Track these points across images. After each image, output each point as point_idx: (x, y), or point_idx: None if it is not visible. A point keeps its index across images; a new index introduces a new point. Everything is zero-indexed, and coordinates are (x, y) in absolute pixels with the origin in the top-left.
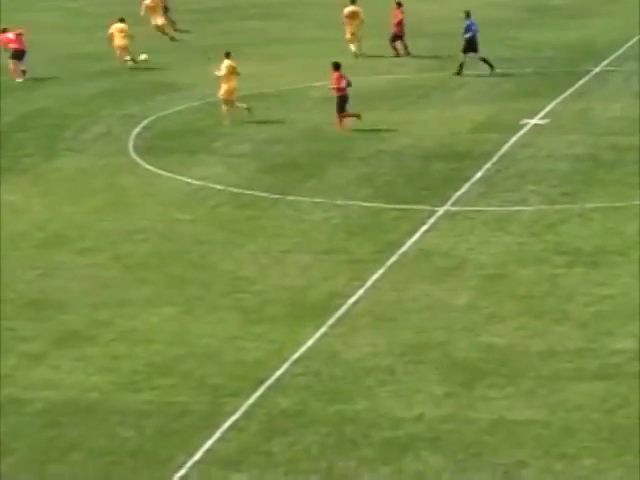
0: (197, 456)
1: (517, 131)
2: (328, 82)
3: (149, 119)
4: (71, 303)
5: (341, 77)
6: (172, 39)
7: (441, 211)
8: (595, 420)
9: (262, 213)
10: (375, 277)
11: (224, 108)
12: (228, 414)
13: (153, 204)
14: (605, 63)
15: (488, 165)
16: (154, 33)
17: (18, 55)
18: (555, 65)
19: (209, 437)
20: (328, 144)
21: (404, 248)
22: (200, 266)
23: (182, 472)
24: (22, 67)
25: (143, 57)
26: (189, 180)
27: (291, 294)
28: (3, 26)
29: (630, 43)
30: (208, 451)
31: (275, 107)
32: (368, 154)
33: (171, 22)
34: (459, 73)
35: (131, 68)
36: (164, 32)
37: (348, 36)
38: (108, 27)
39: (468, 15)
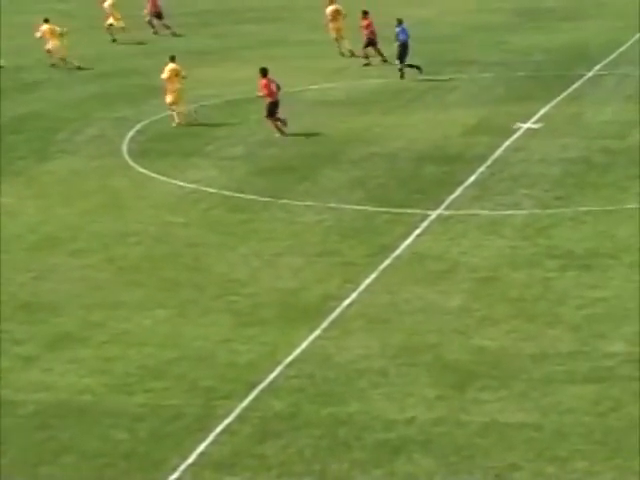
0: (190, 459)
1: (510, 135)
2: (257, 89)
3: (143, 122)
4: (64, 305)
5: (269, 83)
6: (114, 41)
7: (434, 215)
8: (587, 423)
9: (254, 216)
10: (368, 280)
11: (172, 110)
12: (221, 417)
13: (146, 207)
14: (598, 67)
15: (481, 169)
16: (148, 37)
17: None
18: (547, 69)
19: (202, 440)
20: (321, 147)
21: (397, 251)
22: (193, 269)
23: (175, 475)
24: None
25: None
26: (182, 183)
27: (284, 297)
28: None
29: (623, 47)
30: (201, 454)
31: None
32: (361, 157)
33: (166, 27)
34: (402, 76)
35: (122, 71)
36: (112, 33)
37: (334, 35)
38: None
39: (400, 22)
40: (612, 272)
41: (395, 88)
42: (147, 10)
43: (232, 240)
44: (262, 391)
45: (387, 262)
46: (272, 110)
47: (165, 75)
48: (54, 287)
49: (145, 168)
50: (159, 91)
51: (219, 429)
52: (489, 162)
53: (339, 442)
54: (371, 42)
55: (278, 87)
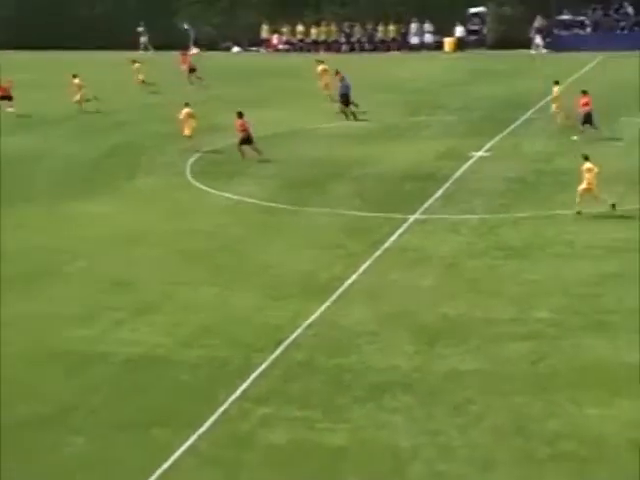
0: (235, 395)
1: (468, 160)
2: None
3: (200, 152)
4: (144, 283)
5: (244, 122)
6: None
7: (412, 218)
8: (523, 370)
9: (283, 219)
10: (365, 266)
11: (189, 143)
12: (257, 365)
13: (203, 212)
14: (531, 112)
15: (447, 185)
16: (194, 90)
17: (7, 98)
18: (495, 112)
19: (243, 381)
20: (330, 168)
21: (386, 245)
22: (236, 257)
23: (224, 407)
24: (9, 107)
25: None
26: (229, 195)
27: (303, 277)
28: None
29: (549, 97)
30: (243, 391)
31: (292, 142)
32: (359, 176)
33: (197, 79)
34: (347, 118)
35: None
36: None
37: (323, 86)
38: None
39: (342, 79)
40: (541, 261)
41: (384, 126)
42: (185, 67)
43: (266, 236)
44: (287, 346)
45: (378, 253)
46: (245, 141)
47: (182, 116)
48: (137, 269)
49: (202, 184)
50: (212, 129)
51: (256, 374)
52: (452, 180)
53: (343, 384)
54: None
55: (249, 126)
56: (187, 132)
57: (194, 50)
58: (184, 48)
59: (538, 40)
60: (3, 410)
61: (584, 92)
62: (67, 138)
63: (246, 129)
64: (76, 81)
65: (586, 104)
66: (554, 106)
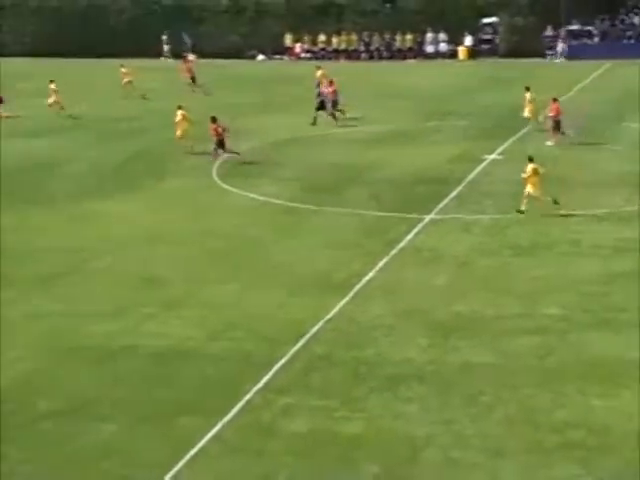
0: (258, 386)
1: (480, 163)
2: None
3: (225, 155)
4: (170, 280)
5: (218, 127)
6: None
7: (427, 218)
8: (531, 363)
9: (303, 219)
10: (381, 264)
11: (182, 144)
12: (279, 357)
13: (228, 212)
14: (541, 117)
15: (460, 187)
16: (205, 97)
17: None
18: (507, 117)
19: (267, 373)
20: (347, 172)
21: (402, 244)
22: (259, 255)
23: (248, 396)
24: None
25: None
26: (253, 195)
27: (323, 275)
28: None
29: None
30: (266, 382)
31: (308, 147)
32: (375, 179)
33: (199, 86)
34: (314, 124)
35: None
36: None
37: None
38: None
39: (318, 85)
40: (548, 259)
41: (398, 131)
42: (187, 75)
43: (287, 235)
44: (307, 340)
45: (394, 252)
46: (221, 144)
47: (178, 118)
48: (163, 267)
49: (228, 186)
50: (234, 134)
51: (278, 366)
52: (465, 182)
53: (360, 375)
54: (334, 103)
55: (224, 129)
56: (178, 133)
57: (191, 57)
58: (183, 56)
59: (560, 48)
60: (32, 401)
61: (554, 100)
62: (87, 143)
63: (220, 133)
64: (52, 86)
65: (556, 111)
66: (526, 110)
